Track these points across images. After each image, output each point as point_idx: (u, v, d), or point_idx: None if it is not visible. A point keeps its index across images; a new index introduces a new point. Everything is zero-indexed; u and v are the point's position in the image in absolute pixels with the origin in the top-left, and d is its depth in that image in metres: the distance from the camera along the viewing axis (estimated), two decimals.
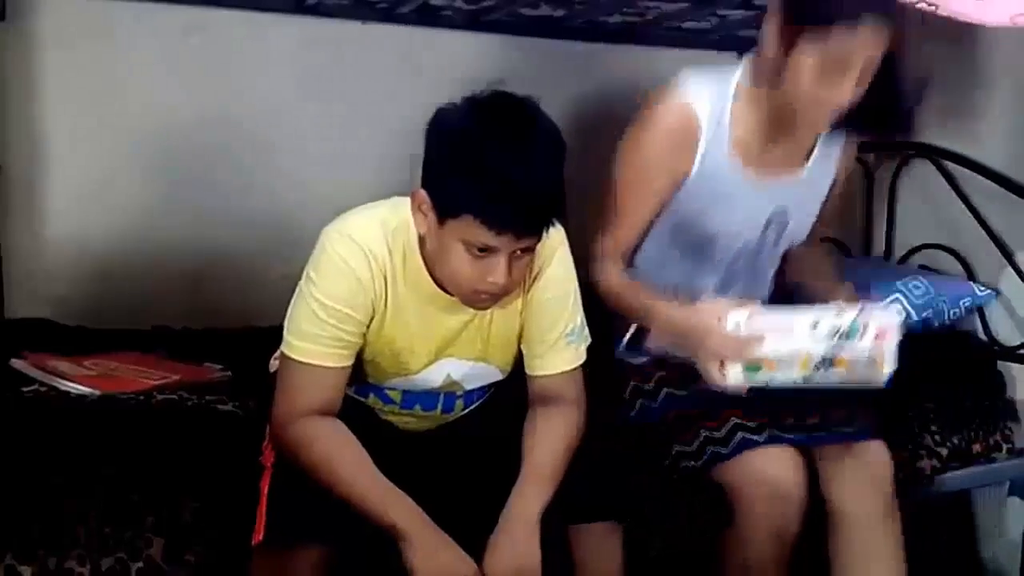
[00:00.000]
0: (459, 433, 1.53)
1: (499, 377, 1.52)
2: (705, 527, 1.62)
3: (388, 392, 1.49)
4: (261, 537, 1.28)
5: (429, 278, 1.37)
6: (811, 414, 1.63)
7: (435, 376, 1.46)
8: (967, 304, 2.20)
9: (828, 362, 1.46)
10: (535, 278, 1.44)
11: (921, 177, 2.38)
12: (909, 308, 2.14)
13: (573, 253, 1.49)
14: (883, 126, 1.62)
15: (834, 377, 1.48)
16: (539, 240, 1.30)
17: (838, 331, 1.44)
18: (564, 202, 1.29)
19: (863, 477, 1.61)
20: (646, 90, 1.63)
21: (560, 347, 1.46)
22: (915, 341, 2.11)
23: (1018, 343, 2.17)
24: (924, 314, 2.15)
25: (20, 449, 1.39)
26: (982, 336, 2.24)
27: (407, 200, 1.34)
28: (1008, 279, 2.20)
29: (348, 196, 1.48)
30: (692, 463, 1.60)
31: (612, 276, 1.61)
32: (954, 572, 2.18)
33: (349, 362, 1.37)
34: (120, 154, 2.25)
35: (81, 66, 2.20)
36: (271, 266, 2.32)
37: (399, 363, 1.43)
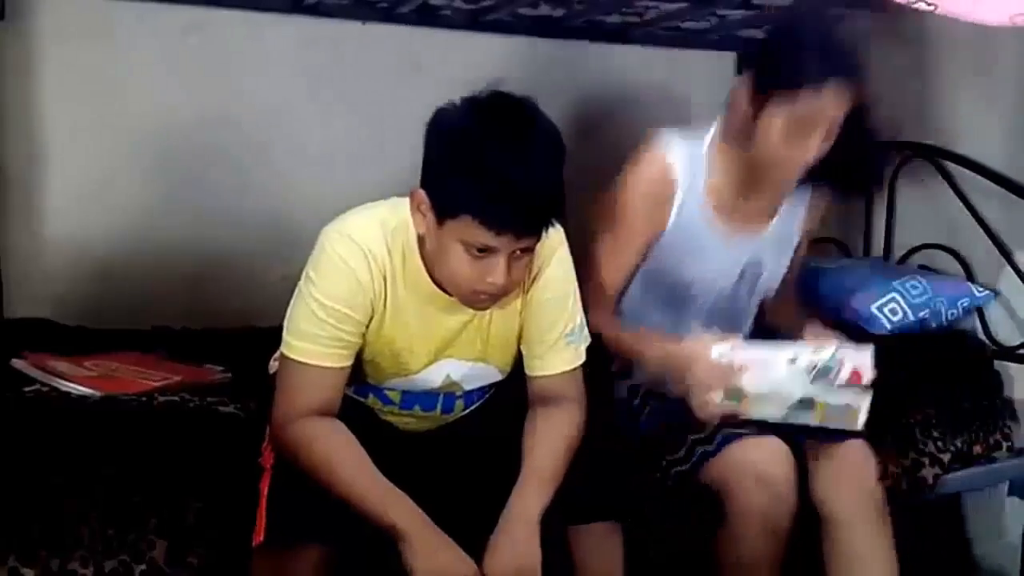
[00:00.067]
0: (459, 434, 1.53)
1: (498, 378, 1.52)
2: (703, 527, 1.62)
3: (387, 392, 1.49)
4: (262, 538, 1.28)
5: (428, 278, 1.37)
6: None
7: (435, 376, 1.46)
8: (965, 305, 2.20)
9: (807, 404, 1.53)
10: (534, 278, 1.44)
11: (921, 177, 2.38)
12: (906, 308, 2.14)
13: (572, 253, 1.49)
14: (851, 182, 1.72)
15: (809, 419, 1.54)
16: (538, 240, 1.30)
17: (815, 366, 1.52)
18: (563, 202, 1.29)
19: (847, 478, 1.62)
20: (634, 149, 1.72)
21: (560, 347, 1.46)
22: (912, 341, 2.13)
23: (1018, 343, 2.17)
24: (921, 314, 2.15)
25: (22, 450, 1.39)
26: (981, 336, 2.24)
27: (406, 201, 1.33)
28: (1007, 279, 2.20)
29: (348, 196, 1.48)
30: (682, 467, 1.63)
31: (602, 321, 1.64)
32: (948, 572, 2.18)
33: (348, 362, 1.37)
34: (119, 154, 2.25)
35: (80, 66, 2.20)
36: (270, 266, 2.33)
37: (399, 363, 1.43)
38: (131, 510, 1.34)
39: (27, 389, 1.62)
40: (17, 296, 2.16)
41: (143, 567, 1.31)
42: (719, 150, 1.66)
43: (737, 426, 1.58)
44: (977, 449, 2.01)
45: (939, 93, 2.34)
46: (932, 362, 2.11)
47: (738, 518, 1.55)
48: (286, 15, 2.35)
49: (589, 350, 1.50)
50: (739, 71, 2.74)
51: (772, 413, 1.54)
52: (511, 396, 1.50)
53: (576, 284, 1.49)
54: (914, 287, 2.16)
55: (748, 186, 1.65)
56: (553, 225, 1.31)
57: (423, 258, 1.36)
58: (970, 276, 2.26)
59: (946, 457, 1.94)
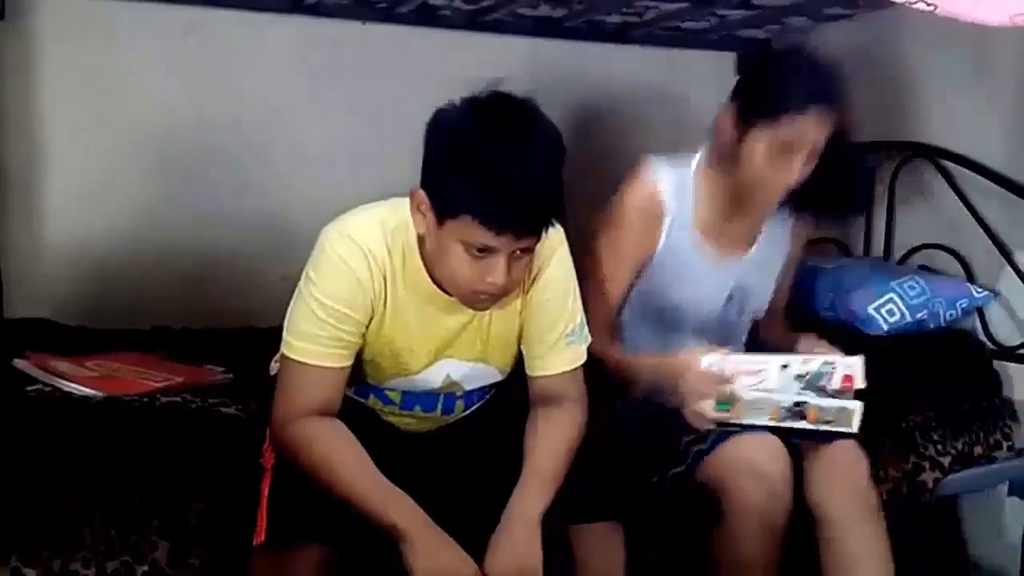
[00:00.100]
0: (460, 434, 1.53)
1: (498, 378, 1.52)
2: (703, 527, 1.62)
3: (388, 393, 1.49)
4: (263, 538, 1.28)
5: (428, 278, 1.37)
6: None
7: (435, 377, 1.46)
8: (964, 306, 2.19)
9: (800, 409, 1.55)
10: (534, 279, 1.43)
11: (920, 177, 2.38)
12: (904, 309, 2.13)
13: (572, 253, 1.49)
14: (833, 208, 1.78)
15: (802, 426, 1.57)
16: (538, 240, 1.30)
17: (807, 374, 1.56)
18: (563, 202, 1.29)
19: (839, 479, 1.62)
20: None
21: (560, 347, 1.46)
22: (911, 342, 2.13)
23: (1018, 343, 2.17)
24: (919, 315, 2.14)
25: (24, 450, 1.39)
26: (982, 336, 2.23)
27: (406, 201, 1.33)
28: (1007, 278, 2.20)
29: (347, 196, 1.48)
30: (678, 469, 1.64)
31: (601, 345, 1.65)
32: (945, 574, 2.18)
33: (348, 362, 1.37)
34: (119, 154, 2.26)
35: (80, 66, 2.21)
36: (270, 266, 2.33)
37: (399, 363, 1.43)
38: (133, 511, 1.34)
39: (29, 389, 1.63)
40: (17, 296, 2.16)
41: (145, 568, 1.31)
42: (704, 175, 1.72)
43: (730, 428, 1.59)
44: (978, 450, 2.00)
45: (939, 93, 2.34)
46: (931, 362, 2.10)
47: (735, 516, 1.55)
48: (286, 15, 2.35)
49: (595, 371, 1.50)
50: (739, 71, 2.76)
51: (765, 419, 1.57)
52: (512, 397, 1.50)
53: (576, 284, 1.49)
54: (912, 288, 2.16)
55: (733, 209, 1.72)
56: (553, 225, 1.31)
57: (423, 258, 1.36)
58: (970, 276, 2.26)
59: (946, 460, 1.94)
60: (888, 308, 2.13)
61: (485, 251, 1.26)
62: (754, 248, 1.79)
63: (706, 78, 2.68)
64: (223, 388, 1.74)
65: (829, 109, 1.57)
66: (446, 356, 1.45)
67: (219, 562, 1.36)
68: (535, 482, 1.35)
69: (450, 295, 1.37)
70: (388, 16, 2.43)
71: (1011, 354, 2.17)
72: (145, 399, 1.61)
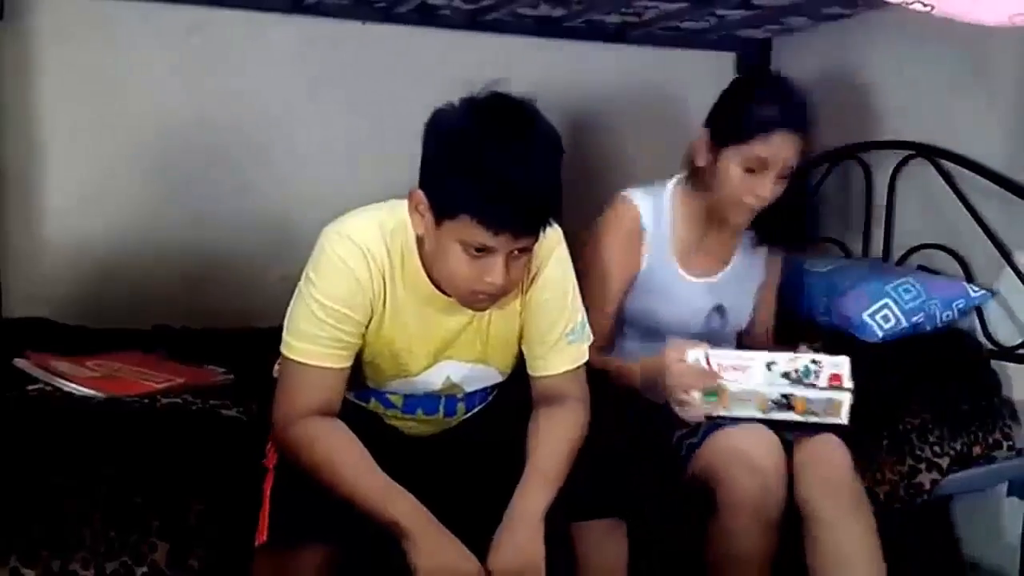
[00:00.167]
0: (463, 437, 1.53)
1: (499, 379, 1.52)
2: (704, 525, 1.62)
3: (389, 396, 1.49)
4: (264, 538, 1.28)
5: (427, 279, 1.37)
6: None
7: (435, 378, 1.46)
8: (960, 306, 2.18)
9: (785, 403, 1.59)
10: (532, 279, 1.44)
11: (920, 177, 2.38)
12: (899, 314, 2.12)
13: (571, 254, 1.49)
14: (782, 237, 1.88)
15: (791, 417, 1.60)
16: (536, 240, 1.30)
17: (793, 371, 1.59)
18: (560, 202, 1.30)
19: (820, 474, 1.62)
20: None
21: (561, 347, 1.46)
22: (908, 343, 2.12)
23: (1017, 343, 2.16)
24: (914, 319, 2.12)
25: (25, 450, 1.39)
26: (980, 336, 2.23)
27: (405, 202, 1.34)
28: (1007, 278, 2.20)
29: (347, 196, 1.48)
30: (676, 458, 1.67)
31: (596, 359, 1.67)
32: (938, 573, 2.18)
33: (348, 363, 1.37)
34: (119, 154, 2.26)
35: (80, 65, 2.21)
36: (270, 266, 2.33)
37: (398, 364, 1.43)
38: (133, 511, 1.34)
39: (30, 388, 1.63)
40: (17, 296, 2.16)
41: (144, 569, 1.31)
42: (680, 199, 1.85)
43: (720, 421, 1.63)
44: (976, 450, 2.00)
45: (939, 93, 2.34)
46: (928, 363, 2.10)
47: (728, 508, 1.56)
48: (286, 15, 2.35)
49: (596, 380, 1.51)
50: (738, 71, 2.76)
51: (752, 412, 1.60)
52: (514, 399, 1.50)
53: (576, 283, 1.50)
54: (907, 291, 2.14)
55: (708, 229, 1.84)
56: (551, 225, 1.31)
57: (422, 259, 1.37)
58: (969, 276, 2.26)
59: (944, 461, 1.93)
60: (883, 315, 2.11)
61: (483, 251, 1.26)
62: (730, 266, 1.90)
63: (705, 78, 2.66)
64: (224, 389, 1.74)
65: (796, 130, 1.68)
66: (446, 357, 1.45)
67: (219, 563, 1.36)
68: (538, 480, 1.35)
69: (449, 296, 1.37)
70: (388, 16, 2.43)
71: (1010, 354, 2.17)
72: (146, 400, 1.61)
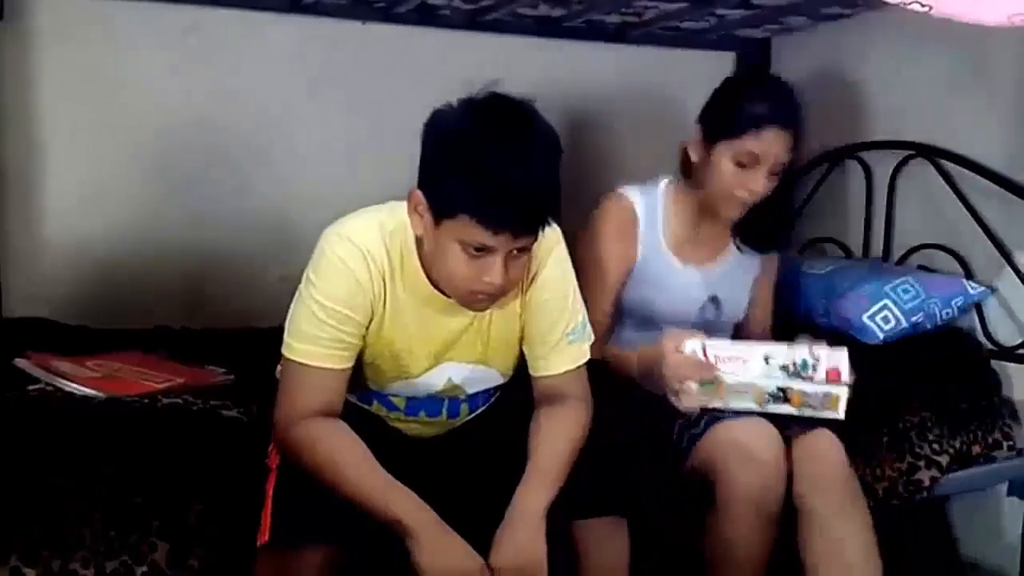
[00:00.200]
0: (467, 438, 1.53)
1: (500, 381, 1.52)
2: (701, 517, 1.62)
3: (392, 399, 1.49)
4: (266, 538, 1.29)
5: (426, 280, 1.37)
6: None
7: (436, 380, 1.46)
8: (960, 304, 2.18)
9: (781, 396, 1.59)
10: (532, 280, 1.44)
11: (920, 177, 2.38)
12: (899, 315, 2.12)
13: (570, 252, 1.49)
14: (759, 239, 1.92)
15: (787, 410, 1.60)
16: (535, 240, 1.31)
17: (791, 363, 1.59)
18: (559, 203, 1.30)
19: (816, 471, 1.62)
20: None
21: (562, 347, 1.46)
22: (909, 342, 2.12)
23: (1018, 342, 2.16)
24: (914, 319, 2.12)
25: (25, 450, 1.39)
26: (981, 336, 2.23)
27: (404, 204, 1.34)
28: (1007, 278, 2.20)
29: (346, 196, 1.48)
30: (676, 451, 1.67)
31: (594, 349, 1.67)
32: (935, 572, 2.18)
33: (349, 364, 1.37)
34: (119, 154, 2.26)
35: (79, 66, 2.20)
36: (270, 267, 2.33)
37: (399, 366, 1.43)
38: (133, 511, 1.34)
39: (31, 388, 1.63)
40: (16, 296, 2.16)
41: (144, 568, 1.31)
42: (673, 195, 1.89)
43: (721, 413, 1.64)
44: (976, 449, 2.00)
45: (939, 93, 2.34)
46: (929, 362, 2.10)
47: (727, 500, 1.57)
48: (285, 14, 2.35)
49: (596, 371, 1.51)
50: (738, 71, 2.76)
51: (749, 404, 1.60)
52: (516, 400, 1.51)
53: (575, 283, 1.50)
54: (906, 291, 2.13)
55: (700, 223, 1.87)
56: (550, 224, 1.32)
57: (421, 260, 1.37)
58: (969, 276, 2.25)
59: (943, 459, 1.94)
60: (883, 316, 2.11)
61: (482, 250, 1.26)
62: (724, 258, 1.93)
63: (705, 78, 2.65)
64: (224, 390, 1.74)
65: (787, 127, 1.73)
66: (447, 359, 1.45)
67: (219, 563, 1.36)
68: (539, 478, 1.35)
69: (448, 297, 1.37)
70: (388, 16, 2.43)
71: (1010, 354, 2.17)
72: (146, 400, 1.61)
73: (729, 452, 1.58)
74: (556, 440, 1.39)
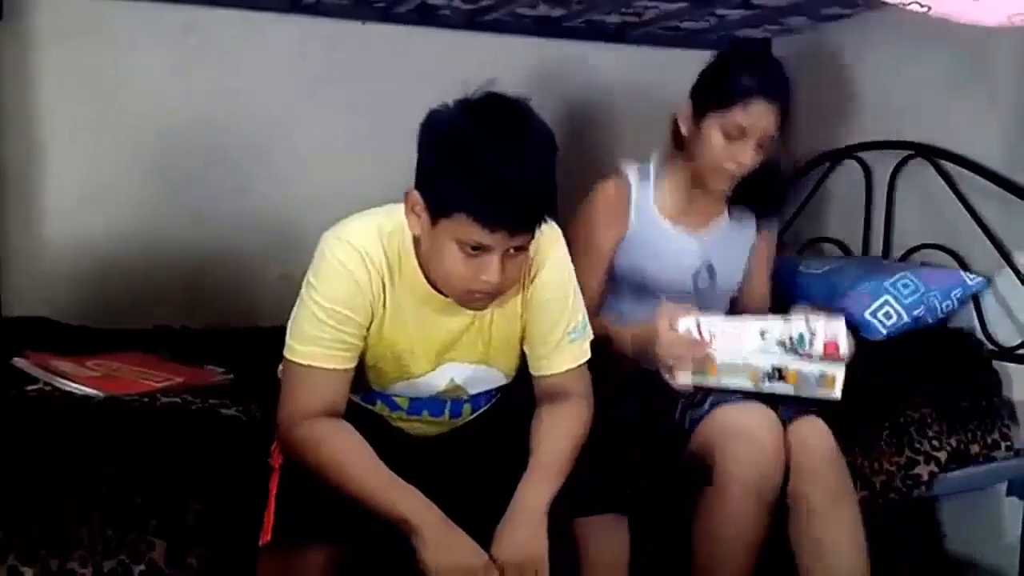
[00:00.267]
0: (470, 437, 1.53)
1: (503, 381, 1.53)
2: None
3: (395, 399, 1.50)
4: (269, 537, 1.28)
5: (425, 281, 1.38)
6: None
7: (438, 380, 1.46)
8: (959, 295, 2.18)
9: (777, 374, 1.57)
10: (532, 279, 1.44)
11: (919, 177, 2.38)
12: (900, 310, 2.12)
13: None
14: (761, 205, 1.95)
15: (783, 389, 1.59)
16: (532, 238, 1.31)
17: (787, 338, 1.57)
18: (556, 200, 1.30)
19: (805, 461, 1.62)
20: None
21: (563, 346, 1.47)
22: (911, 339, 2.12)
23: (1017, 343, 2.17)
24: (915, 313, 2.13)
25: (23, 449, 1.39)
26: (980, 336, 2.23)
27: (402, 206, 1.35)
28: (1006, 278, 2.20)
29: (346, 195, 1.48)
30: (679, 433, 1.67)
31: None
32: (921, 567, 2.19)
33: (351, 364, 1.38)
34: (119, 153, 2.26)
35: (79, 66, 2.21)
36: (269, 266, 2.33)
37: (401, 367, 1.44)
38: (131, 510, 1.34)
39: (29, 388, 1.63)
40: (17, 296, 2.16)
41: (142, 567, 1.31)
42: (665, 167, 1.92)
43: (726, 395, 1.64)
44: (974, 448, 2.00)
45: (939, 93, 2.34)
46: (930, 360, 2.10)
47: (724, 485, 1.56)
48: (285, 14, 2.36)
49: (593, 346, 1.51)
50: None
51: (744, 383, 1.59)
52: (519, 399, 1.51)
53: (576, 282, 1.50)
54: (905, 285, 2.15)
55: (692, 194, 1.89)
56: (547, 222, 1.32)
57: (419, 261, 1.37)
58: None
59: (942, 455, 1.94)
60: (884, 311, 2.12)
61: (479, 250, 1.27)
62: (716, 227, 1.94)
63: None
64: (223, 389, 1.74)
65: (774, 99, 1.75)
66: (448, 359, 1.46)
67: (218, 562, 1.36)
68: (541, 474, 1.35)
69: (447, 296, 1.37)
70: (388, 16, 2.43)
71: (1010, 354, 2.17)
72: (145, 399, 1.61)
73: (729, 435, 1.58)
74: (558, 436, 1.39)
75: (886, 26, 2.37)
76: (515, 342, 1.49)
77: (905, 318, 2.12)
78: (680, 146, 1.87)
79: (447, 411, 1.52)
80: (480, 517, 1.31)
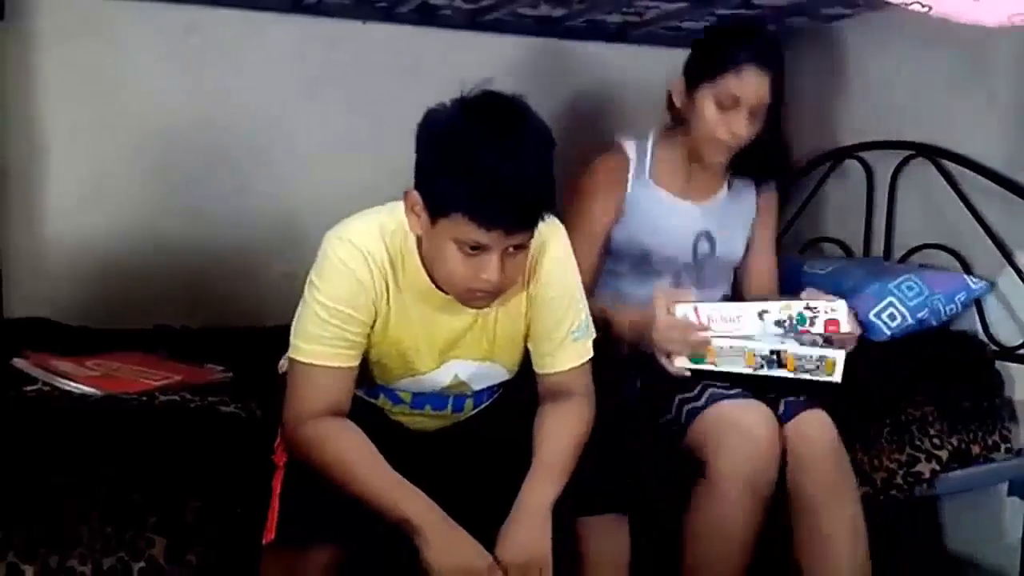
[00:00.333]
0: (470, 432, 1.54)
1: (506, 377, 1.53)
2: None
3: (398, 393, 1.50)
4: (273, 536, 1.28)
5: (427, 279, 1.38)
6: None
7: (442, 377, 1.47)
8: (963, 299, 2.18)
9: (775, 359, 1.55)
10: (536, 276, 1.44)
11: (920, 177, 2.38)
12: (904, 312, 2.12)
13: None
14: (762, 171, 1.94)
15: (781, 374, 1.57)
16: (530, 236, 1.31)
17: (787, 317, 1.55)
18: (554, 198, 1.30)
19: (807, 455, 1.62)
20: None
21: (567, 344, 1.47)
22: (914, 340, 2.12)
23: (1018, 343, 2.17)
24: (920, 315, 2.13)
25: (22, 448, 1.39)
26: (982, 336, 2.23)
27: (403, 204, 1.34)
28: (1007, 278, 2.20)
29: (347, 195, 1.48)
30: (674, 427, 1.67)
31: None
32: (921, 565, 2.19)
33: (355, 362, 1.38)
34: (120, 153, 2.26)
35: (81, 66, 2.21)
36: (271, 265, 2.33)
37: (406, 364, 1.44)
38: (130, 508, 1.34)
39: (28, 388, 1.63)
40: (17, 296, 2.16)
41: (142, 564, 1.31)
42: (662, 141, 1.92)
43: (724, 387, 1.64)
44: (975, 448, 2.01)
45: (939, 93, 2.34)
46: (933, 360, 2.10)
47: (718, 477, 1.56)
48: (286, 14, 2.36)
49: (595, 344, 1.51)
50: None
51: (741, 367, 1.58)
52: (522, 394, 1.51)
53: (579, 279, 1.50)
54: (910, 288, 2.14)
55: (689, 166, 1.90)
56: (545, 220, 1.32)
57: (422, 259, 1.37)
58: (970, 275, 2.26)
59: (943, 454, 1.94)
60: (889, 313, 2.12)
61: (478, 249, 1.27)
62: (715, 198, 1.95)
63: None
64: (222, 386, 1.74)
65: (765, 67, 1.75)
66: (453, 356, 1.46)
67: (217, 560, 1.36)
68: (545, 473, 1.36)
69: (449, 295, 1.37)
70: (388, 16, 2.43)
71: (1011, 354, 2.17)
72: (144, 397, 1.61)
73: (723, 431, 1.58)
74: (561, 436, 1.40)
75: (887, 26, 2.37)
76: (519, 339, 1.49)
77: (909, 320, 2.12)
78: (676, 121, 1.89)
79: (450, 405, 1.52)
80: (479, 512, 1.31)
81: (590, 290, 1.75)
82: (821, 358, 1.55)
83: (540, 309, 1.46)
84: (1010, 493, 2.16)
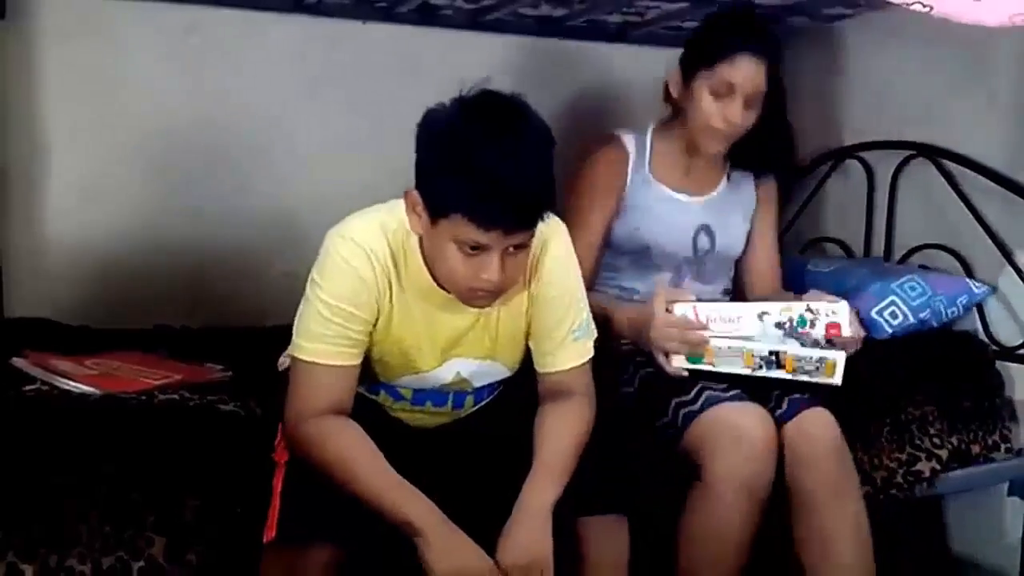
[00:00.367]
0: (470, 429, 1.54)
1: (507, 374, 1.53)
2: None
3: (399, 389, 1.50)
4: (274, 534, 1.28)
5: (430, 278, 1.38)
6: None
7: (444, 375, 1.47)
8: (964, 302, 2.19)
9: (774, 360, 1.54)
10: (537, 276, 1.44)
11: (921, 177, 2.38)
12: (906, 311, 2.13)
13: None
14: (762, 163, 1.94)
15: (779, 375, 1.57)
16: (531, 236, 1.31)
17: (788, 319, 1.54)
18: (553, 197, 1.30)
19: (809, 453, 1.61)
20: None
21: (568, 344, 1.47)
22: (914, 339, 2.13)
23: (1018, 343, 2.17)
24: (921, 315, 2.13)
25: (21, 448, 1.39)
26: (982, 336, 2.23)
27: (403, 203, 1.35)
28: (1007, 278, 2.20)
29: (347, 195, 1.48)
30: (671, 430, 1.66)
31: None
32: (926, 564, 2.19)
33: (357, 361, 1.38)
34: (120, 153, 2.26)
35: (81, 65, 2.21)
36: (271, 264, 2.34)
37: (408, 362, 1.44)
38: (130, 507, 1.34)
39: (27, 388, 1.62)
40: (18, 296, 2.16)
41: (141, 563, 1.31)
42: (659, 132, 1.93)
43: (720, 389, 1.63)
44: (975, 448, 2.01)
45: (939, 93, 2.34)
46: (933, 360, 2.11)
47: (714, 479, 1.55)
48: (286, 14, 2.36)
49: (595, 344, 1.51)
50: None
51: (739, 368, 1.57)
52: (522, 391, 1.51)
53: (580, 279, 1.51)
54: (912, 288, 2.15)
55: (687, 158, 1.90)
56: (544, 220, 1.32)
57: (424, 258, 1.37)
58: (970, 276, 2.26)
59: (943, 453, 1.94)
60: (891, 311, 2.13)
61: (478, 248, 1.27)
62: (714, 191, 1.95)
63: None
64: (221, 385, 1.74)
65: (761, 55, 1.75)
66: (455, 355, 1.46)
67: (217, 559, 1.36)
68: (545, 474, 1.36)
69: (451, 294, 1.37)
70: (388, 16, 2.43)
71: (1011, 354, 2.17)
72: (143, 396, 1.61)
73: (720, 434, 1.57)
74: (562, 436, 1.40)
75: (888, 26, 2.37)
76: (520, 338, 1.49)
77: (911, 319, 2.13)
78: (673, 111, 1.89)
79: (450, 402, 1.52)
80: (478, 510, 1.31)
81: (589, 285, 1.75)
82: (821, 360, 1.55)
83: (541, 308, 1.46)
84: (1010, 493, 2.16)
